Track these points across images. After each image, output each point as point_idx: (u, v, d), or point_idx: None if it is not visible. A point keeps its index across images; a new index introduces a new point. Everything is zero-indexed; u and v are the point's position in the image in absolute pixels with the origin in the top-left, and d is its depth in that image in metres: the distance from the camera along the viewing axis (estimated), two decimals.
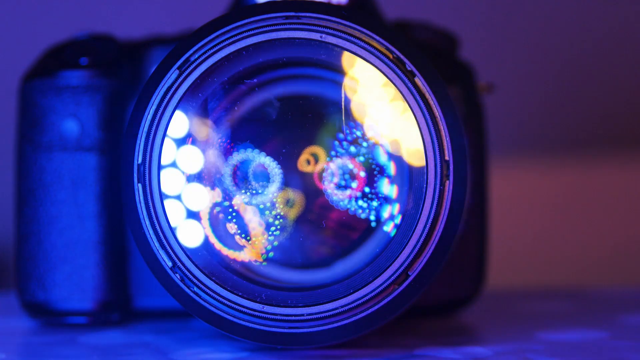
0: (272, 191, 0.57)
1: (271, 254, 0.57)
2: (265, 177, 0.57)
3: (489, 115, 0.69)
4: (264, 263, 0.57)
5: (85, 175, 0.63)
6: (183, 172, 0.56)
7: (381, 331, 0.59)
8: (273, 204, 0.57)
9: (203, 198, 0.57)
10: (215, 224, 0.57)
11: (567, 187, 1.21)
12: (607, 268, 1.19)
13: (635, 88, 1.26)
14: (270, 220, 0.56)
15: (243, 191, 0.57)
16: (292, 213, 0.57)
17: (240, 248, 0.57)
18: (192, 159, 0.56)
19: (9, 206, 0.68)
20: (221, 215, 0.57)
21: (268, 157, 0.57)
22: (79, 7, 1.24)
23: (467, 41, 0.73)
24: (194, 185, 0.57)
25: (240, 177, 0.57)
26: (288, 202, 0.57)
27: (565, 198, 1.21)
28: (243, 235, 0.57)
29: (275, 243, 0.56)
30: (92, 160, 0.63)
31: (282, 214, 0.57)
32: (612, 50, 1.26)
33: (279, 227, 0.57)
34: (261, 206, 0.57)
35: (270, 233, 0.56)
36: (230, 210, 0.57)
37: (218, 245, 0.56)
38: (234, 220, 0.57)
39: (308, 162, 0.57)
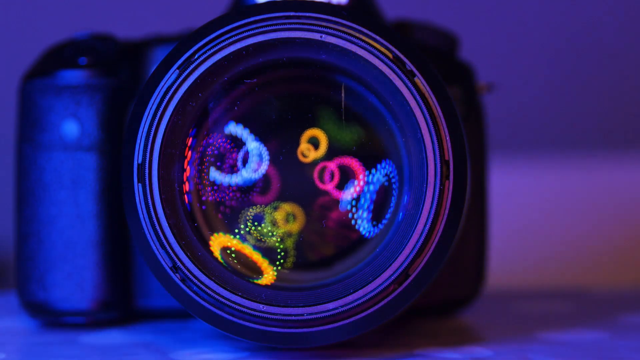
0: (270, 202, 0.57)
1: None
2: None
3: (489, 115, 0.69)
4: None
5: (85, 175, 0.63)
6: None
7: (381, 331, 0.59)
8: (273, 223, 0.57)
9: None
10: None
11: (567, 187, 1.21)
12: (607, 268, 1.19)
13: (636, 87, 1.26)
14: (273, 242, 0.56)
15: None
16: (295, 227, 0.57)
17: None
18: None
19: (9, 206, 0.68)
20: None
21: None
22: (79, 7, 1.24)
23: (467, 41, 0.73)
24: None
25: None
26: (288, 218, 0.57)
27: (565, 198, 1.21)
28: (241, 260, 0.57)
29: (279, 268, 0.56)
30: (92, 160, 0.63)
31: (282, 233, 0.56)
32: (613, 49, 1.26)
33: (282, 249, 0.56)
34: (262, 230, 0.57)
35: (275, 260, 0.56)
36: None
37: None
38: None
39: (304, 155, 0.57)
